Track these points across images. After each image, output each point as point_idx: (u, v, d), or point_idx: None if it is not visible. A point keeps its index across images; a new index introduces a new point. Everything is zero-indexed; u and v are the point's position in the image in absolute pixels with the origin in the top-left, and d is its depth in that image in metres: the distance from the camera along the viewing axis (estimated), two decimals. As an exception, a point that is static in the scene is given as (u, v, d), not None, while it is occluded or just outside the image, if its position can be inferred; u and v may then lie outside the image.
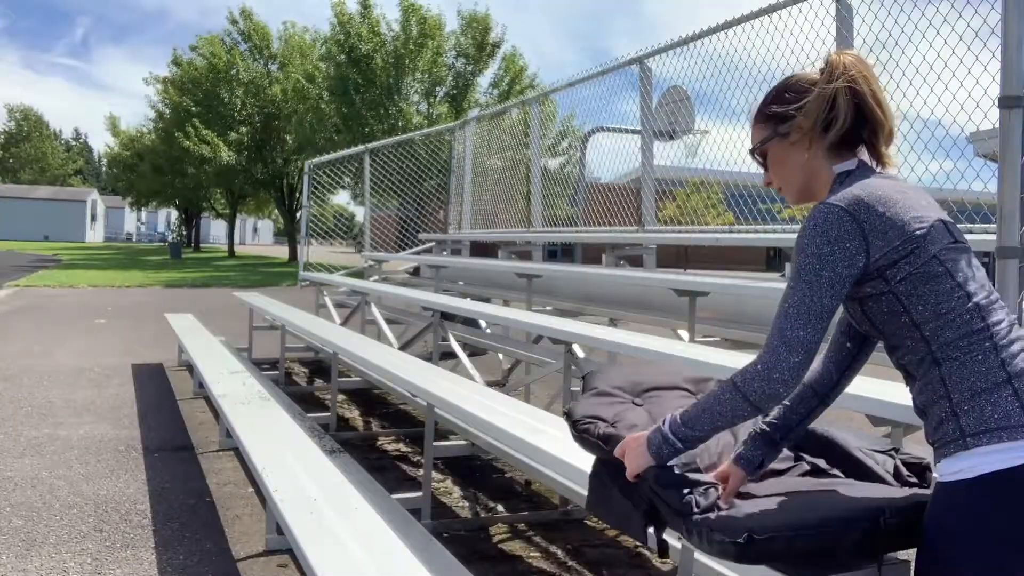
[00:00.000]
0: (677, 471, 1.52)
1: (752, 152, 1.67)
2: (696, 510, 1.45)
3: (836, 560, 1.44)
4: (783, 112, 1.59)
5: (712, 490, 1.50)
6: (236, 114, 34.81)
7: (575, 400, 1.87)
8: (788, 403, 1.69)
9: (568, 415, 1.80)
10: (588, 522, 4.06)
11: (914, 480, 1.64)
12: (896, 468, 1.67)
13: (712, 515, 1.44)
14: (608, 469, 1.65)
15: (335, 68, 26.80)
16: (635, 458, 1.55)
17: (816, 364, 1.69)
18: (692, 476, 1.52)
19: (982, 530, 1.35)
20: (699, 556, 1.79)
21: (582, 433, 1.71)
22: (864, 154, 1.59)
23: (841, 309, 1.60)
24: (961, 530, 1.37)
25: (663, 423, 1.53)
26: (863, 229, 1.41)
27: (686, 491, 1.47)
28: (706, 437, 1.52)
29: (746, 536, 1.35)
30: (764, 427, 1.70)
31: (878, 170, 1.56)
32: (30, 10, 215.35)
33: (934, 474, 1.47)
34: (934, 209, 1.49)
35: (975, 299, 1.41)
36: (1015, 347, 1.40)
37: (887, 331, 1.49)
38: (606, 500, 1.68)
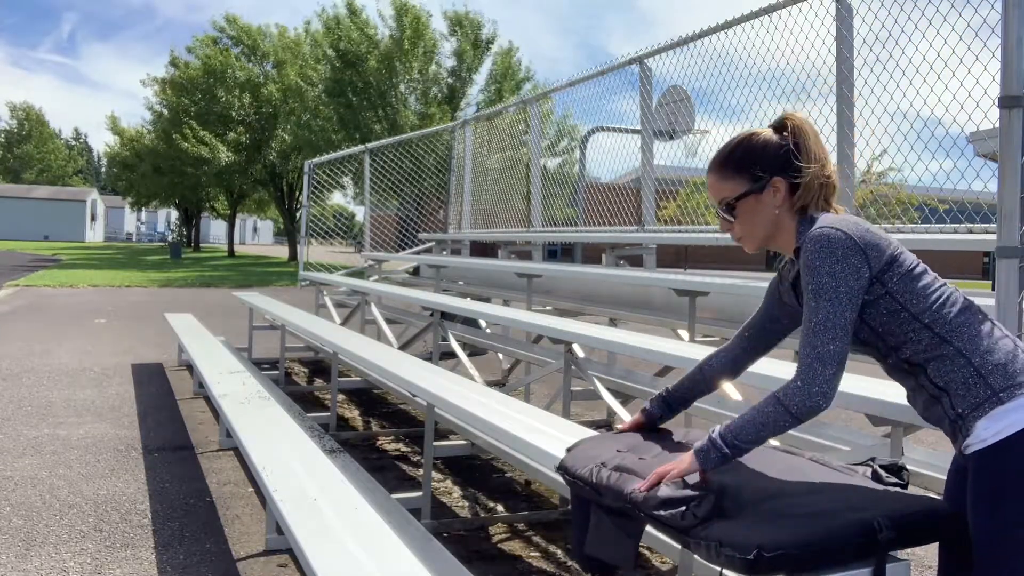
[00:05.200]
0: (667, 491, 1.59)
1: (721, 202, 1.78)
2: (697, 520, 1.52)
3: (835, 563, 1.46)
4: (759, 169, 1.74)
5: (704, 501, 1.54)
6: (234, 114, 34.84)
7: (564, 456, 1.98)
8: (691, 383, 2.03)
9: (561, 467, 1.92)
10: None
11: (893, 480, 1.70)
12: (875, 473, 1.73)
13: (715, 528, 1.49)
14: (603, 508, 1.74)
15: (330, 70, 26.88)
16: (680, 466, 1.64)
17: (715, 359, 2.00)
18: (683, 493, 1.57)
19: None
20: (698, 556, 1.79)
21: (576, 472, 1.83)
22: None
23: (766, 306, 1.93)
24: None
25: (712, 431, 1.64)
26: (859, 245, 1.59)
27: (683, 508, 1.54)
28: (752, 447, 1.62)
29: (756, 553, 1.39)
30: (665, 394, 2.05)
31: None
32: (15, 7, 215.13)
33: (969, 443, 1.55)
34: None
35: (950, 287, 1.64)
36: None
37: (888, 331, 1.62)
38: (604, 538, 1.75)
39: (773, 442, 1.89)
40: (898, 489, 1.66)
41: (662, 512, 1.55)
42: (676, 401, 2.06)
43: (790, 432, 1.74)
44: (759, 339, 1.95)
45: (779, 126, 1.78)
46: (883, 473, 1.71)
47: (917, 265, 1.64)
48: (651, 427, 2.05)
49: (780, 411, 1.57)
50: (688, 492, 1.56)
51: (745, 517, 1.50)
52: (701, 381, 2.04)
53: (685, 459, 1.64)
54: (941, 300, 1.60)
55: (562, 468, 1.92)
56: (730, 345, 2.00)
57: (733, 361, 1.99)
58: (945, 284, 1.64)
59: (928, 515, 1.54)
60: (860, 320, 1.62)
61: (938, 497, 1.74)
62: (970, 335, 1.57)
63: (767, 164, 1.74)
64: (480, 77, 28.02)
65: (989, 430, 1.51)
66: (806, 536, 1.43)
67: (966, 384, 1.54)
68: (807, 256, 1.60)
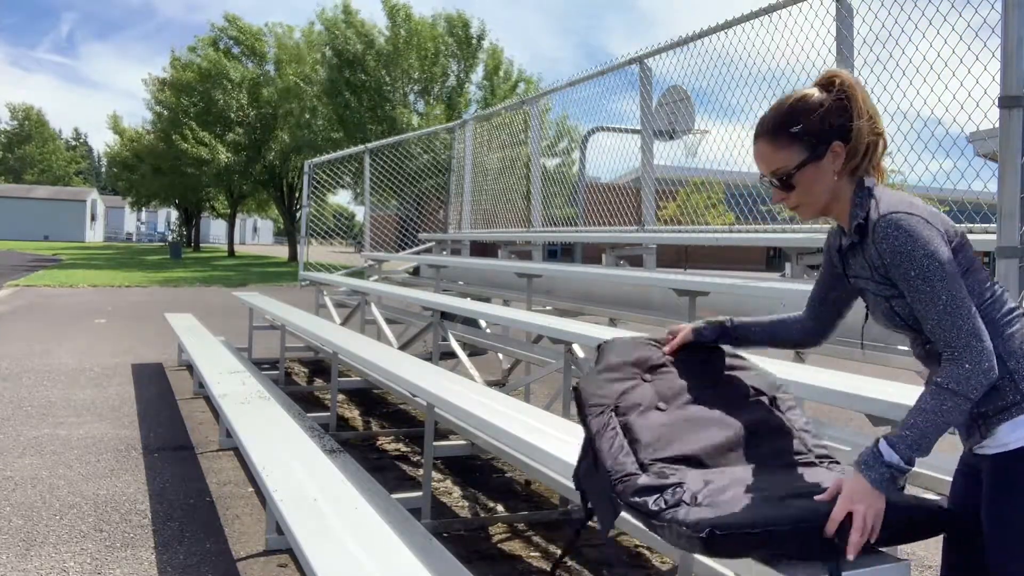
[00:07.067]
0: (647, 480, 1.60)
1: (776, 172, 1.66)
2: (666, 506, 1.53)
3: (790, 544, 1.47)
4: (817, 135, 1.62)
5: (677, 488, 1.56)
6: (233, 115, 34.86)
7: (585, 376, 1.91)
8: (756, 327, 1.93)
9: (576, 392, 1.84)
10: (588, 522, 4.06)
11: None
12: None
13: (681, 511, 1.50)
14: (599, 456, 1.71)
15: (328, 71, 26.98)
16: (870, 505, 1.44)
17: (797, 322, 1.92)
18: (660, 482, 1.59)
19: None
20: (698, 555, 1.79)
21: (587, 417, 1.78)
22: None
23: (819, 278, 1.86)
24: None
25: (881, 455, 1.47)
26: (936, 227, 1.53)
27: (655, 496, 1.55)
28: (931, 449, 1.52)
29: (708, 532, 1.43)
30: (730, 326, 1.94)
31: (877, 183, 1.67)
32: (14, 7, 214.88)
33: (988, 444, 1.54)
34: None
35: (999, 285, 1.61)
36: None
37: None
38: (595, 483, 1.75)
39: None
40: None
41: (636, 499, 1.57)
42: (735, 336, 1.94)
43: None
44: (822, 310, 1.87)
45: (827, 84, 1.64)
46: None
47: (976, 259, 1.60)
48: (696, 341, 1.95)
49: (960, 402, 1.46)
50: (665, 481, 1.58)
51: (707, 503, 1.53)
52: (775, 335, 1.94)
53: (869, 497, 1.44)
54: (991, 299, 1.57)
55: (577, 392, 1.83)
56: (803, 315, 1.92)
57: (803, 332, 1.91)
58: (996, 283, 1.61)
59: (908, 510, 1.53)
60: (908, 304, 1.56)
61: (920, 495, 1.72)
62: (1011, 337, 1.54)
63: (825, 128, 1.61)
64: (476, 76, 28.19)
65: (1012, 435, 1.49)
66: (755, 517, 1.46)
67: (995, 385, 1.51)
68: (893, 245, 1.51)
